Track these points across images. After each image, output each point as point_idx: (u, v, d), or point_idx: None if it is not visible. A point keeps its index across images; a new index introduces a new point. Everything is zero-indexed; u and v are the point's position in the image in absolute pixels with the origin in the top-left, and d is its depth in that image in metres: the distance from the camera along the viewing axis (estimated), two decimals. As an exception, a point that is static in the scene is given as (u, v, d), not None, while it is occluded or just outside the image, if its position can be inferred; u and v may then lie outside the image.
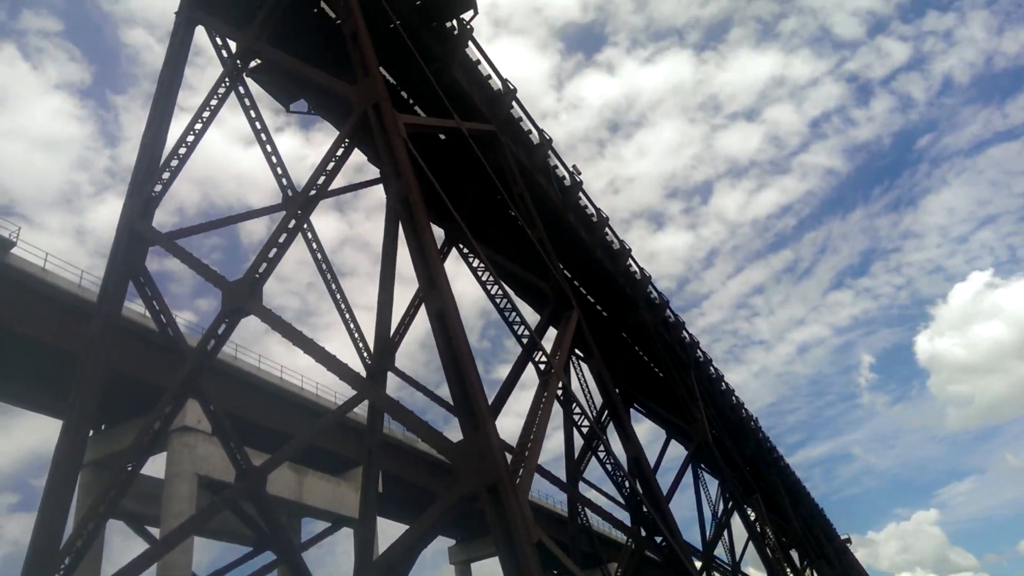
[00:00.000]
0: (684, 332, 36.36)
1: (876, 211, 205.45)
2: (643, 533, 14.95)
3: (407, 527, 10.27)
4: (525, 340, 15.31)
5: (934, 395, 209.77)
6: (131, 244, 14.49)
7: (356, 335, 19.02)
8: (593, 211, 27.18)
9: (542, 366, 14.32)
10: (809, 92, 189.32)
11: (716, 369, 41.81)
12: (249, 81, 17.98)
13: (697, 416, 29.04)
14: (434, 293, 10.69)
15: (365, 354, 18.91)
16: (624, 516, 15.84)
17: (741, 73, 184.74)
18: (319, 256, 19.44)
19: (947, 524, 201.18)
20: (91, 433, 18.38)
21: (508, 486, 8.56)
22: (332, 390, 34.50)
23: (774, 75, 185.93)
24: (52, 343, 23.74)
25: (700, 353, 39.10)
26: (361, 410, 33.18)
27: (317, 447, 30.86)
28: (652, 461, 21.70)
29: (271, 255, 12.81)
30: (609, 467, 13.96)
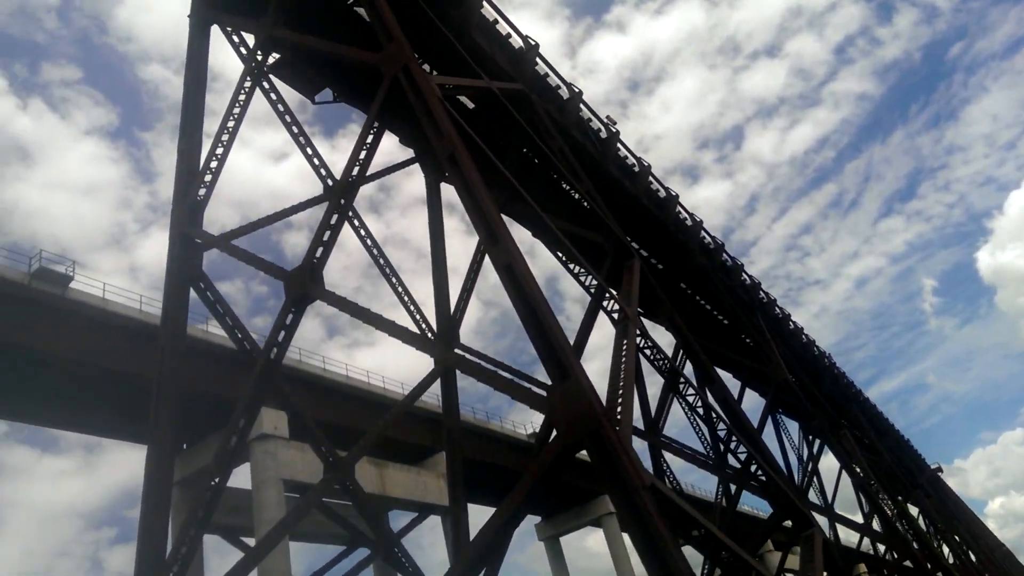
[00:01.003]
0: (744, 274, 35.28)
1: (916, 130, 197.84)
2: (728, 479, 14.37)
3: (490, 510, 9.91)
4: (593, 290, 14.73)
5: (1003, 311, 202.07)
6: (185, 250, 14.38)
7: (417, 316, 18.71)
8: (634, 160, 26.35)
9: (615, 316, 13.77)
10: (829, 17, 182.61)
11: (781, 309, 40.58)
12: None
13: (772, 356, 28.07)
14: (498, 247, 10.19)
15: (429, 335, 18.61)
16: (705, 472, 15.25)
17: (756, 9, 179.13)
18: (368, 242, 19.12)
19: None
20: (176, 453, 18.60)
21: (610, 430, 8.04)
22: (398, 382, 34.57)
23: (790, 6, 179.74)
24: (120, 369, 24.12)
25: (763, 294, 37.96)
26: (430, 397, 33.16)
27: (392, 439, 30.95)
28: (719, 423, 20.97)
29: (325, 238, 12.56)
30: (700, 409, 13.32)
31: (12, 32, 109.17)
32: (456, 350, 17.44)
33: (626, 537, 48.20)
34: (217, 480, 14.37)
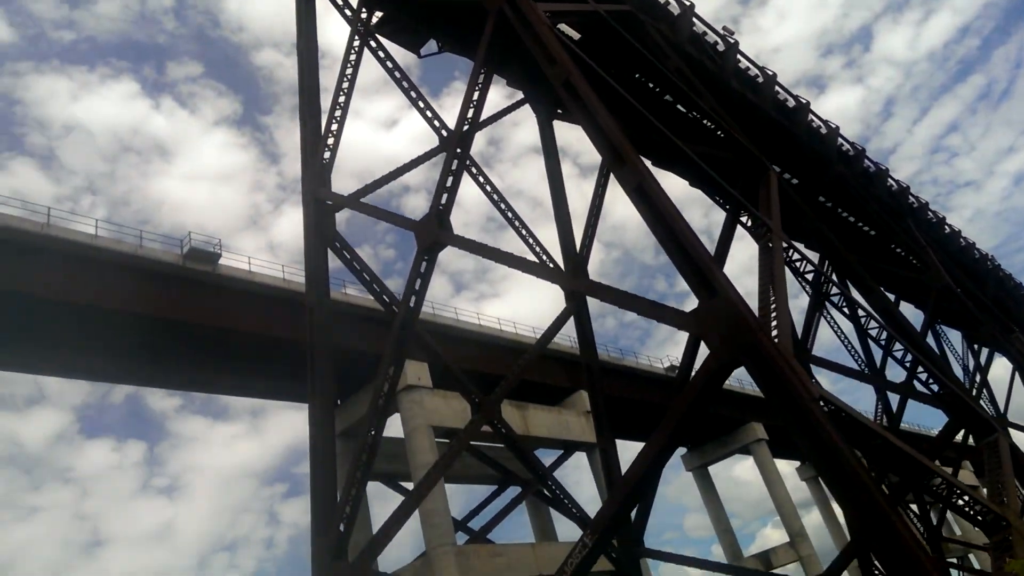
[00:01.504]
0: (890, 179, 32.50)
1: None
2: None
3: (633, 445, 9.67)
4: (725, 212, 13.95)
5: None
6: (319, 213, 14.93)
7: (544, 257, 18.62)
8: (756, 71, 24.58)
9: (755, 232, 12.99)
10: None
11: (935, 212, 37.18)
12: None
13: (929, 262, 25.79)
14: (625, 168, 9.75)
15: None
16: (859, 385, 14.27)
17: None
18: (488, 188, 19.11)
19: None
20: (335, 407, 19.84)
21: (769, 343, 7.57)
22: (529, 326, 34.97)
23: None
24: (274, 335, 25.81)
25: (912, 199, 34.87)
26: (563, 339, 33.28)
27: (531, 383, 31.49)
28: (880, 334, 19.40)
29: (448, 184, 12.62)
30: (861, 318, 12.38)
31: (137, 38, 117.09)
32: (581, 297, 17.27)
33: (779, 462, 47.00)
34: (373, 431, 15.09)
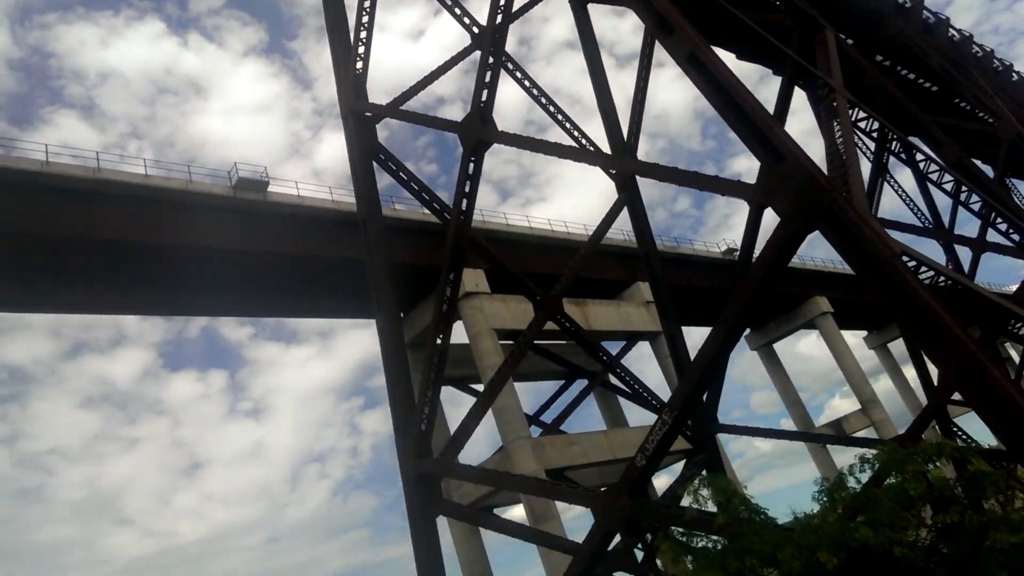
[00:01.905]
0: (951, 29, 30.23)
1: None
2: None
3: (695, 331, 9.55)
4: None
5: None
6: (360, 125, 14.77)
7: (591, 148, 18.14)
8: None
9: (816, 94, 12.28)
10: None
11: (1001, 60, 34.64)
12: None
13: (998, 112, 24.21)
14: (674, 36, 9.21)
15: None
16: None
17: None
18: (527, 83, 18.51)
19: None
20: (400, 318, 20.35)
21: (846, 203, 7.25)
22: (580, 223, 34.68)
23: None
24: (329, 255, 26.26)
25: (976, 48, 32.50)
26: (616, 233, 32.94)
27: (588, 279, 31.52)
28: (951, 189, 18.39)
29: (487, 79, 12.23)
30: (931, 174, 11.78)
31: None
32: (633, 184, 16.81)
33: (845, 333, 46.63)
34: (440, 336, 15.40)
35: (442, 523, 15.89)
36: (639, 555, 11.30)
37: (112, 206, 22.12)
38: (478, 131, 12.04)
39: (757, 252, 10.40)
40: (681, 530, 9.25)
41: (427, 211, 27.67)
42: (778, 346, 49.26)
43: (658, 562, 10.88)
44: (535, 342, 25.68)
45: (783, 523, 8.17)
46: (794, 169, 7.67)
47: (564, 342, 32.27)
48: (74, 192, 21.44)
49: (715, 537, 8.35)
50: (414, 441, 13.52)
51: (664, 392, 23.97)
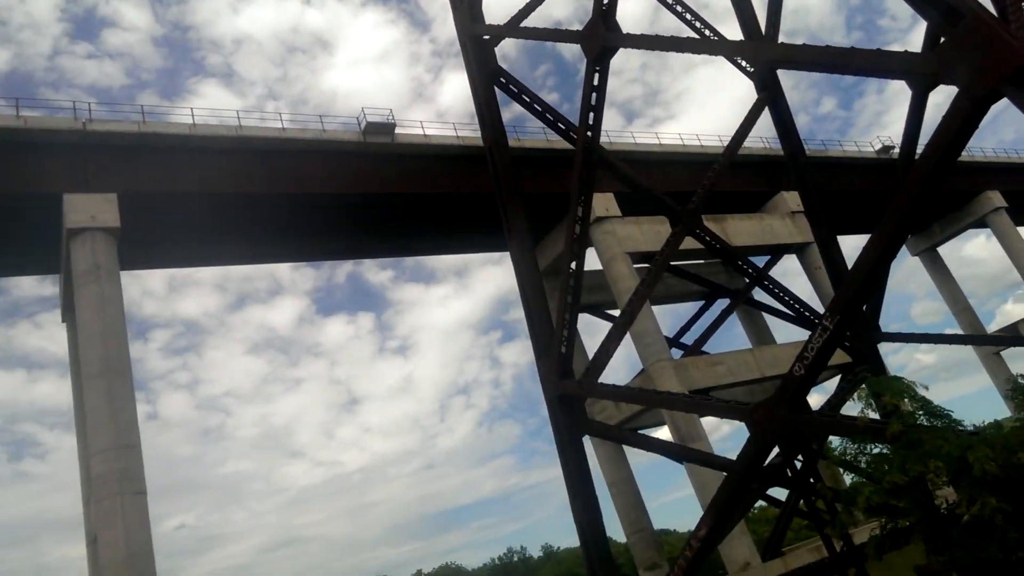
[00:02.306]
0: None
1: None
2: None
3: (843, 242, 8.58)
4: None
5: None
6: (478, 49, 14.45)
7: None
8: None
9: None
10: None
11: None
12: None
13: None
14: None
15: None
16: None
17: None
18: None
19: None
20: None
21: (1042, 59, 6.14)
22: (714, 135, 32.82)
23: None
24: (459, 191, 26.56)
25: None
26: (753, 141, 30.94)
27: (726, 193, 30.01)
28: None
29: (607, -21, 11.44)
30: None
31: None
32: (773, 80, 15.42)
33: (1022, 230, 41.79)
34: (575, 261, 15.16)
35: (587, 447, 16.00)
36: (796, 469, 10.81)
37: (256, 161, 23.39)
38: (602, 37, 11.38)
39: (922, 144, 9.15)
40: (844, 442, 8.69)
41: (552, 139, 27.23)
42: (942, 250, 45.05)
43: (820, 475, 10.34)
44: (672, 263, 24.97)
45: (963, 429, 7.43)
46: (975, 26, 6.58)
47: (701, 262, 31.12)
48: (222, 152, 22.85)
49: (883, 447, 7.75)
50: (555, 363, 13.53)
51: (816, 306, 22.58)
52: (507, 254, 16.76)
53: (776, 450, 9.73)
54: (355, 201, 25.50)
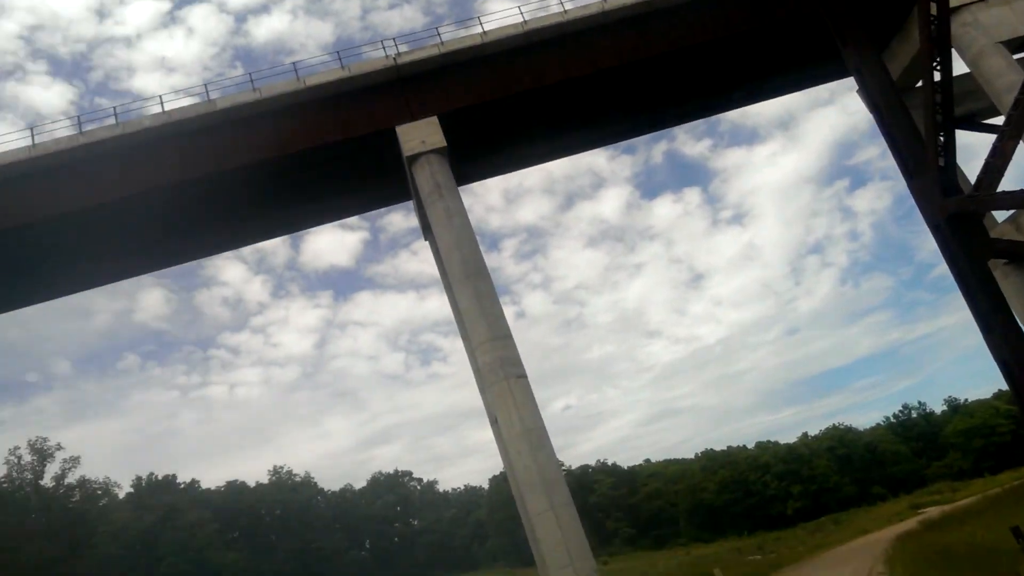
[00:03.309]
0: None
1: None
2: None
3: None
4: None
5: None
6: None
7: None
8: None
9: None
10: None
11: None
12: None
13: None
14: None
15: None
16: None
17: None
18: None
19: None
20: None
21: None
22: None
23: None
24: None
25: None
26: None
27: None
28: None
29: None
30: None
31: None
32: None
33: None
34: (936, 60, 12.44)
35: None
36: None
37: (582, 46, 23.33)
38: None
39: None
40: None
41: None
42: None
43: None
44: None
45: None
46: None
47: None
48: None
49: None
50: (932, 180, 11.37)
51: None
52: (836, 92, 14.44)
53: None
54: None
